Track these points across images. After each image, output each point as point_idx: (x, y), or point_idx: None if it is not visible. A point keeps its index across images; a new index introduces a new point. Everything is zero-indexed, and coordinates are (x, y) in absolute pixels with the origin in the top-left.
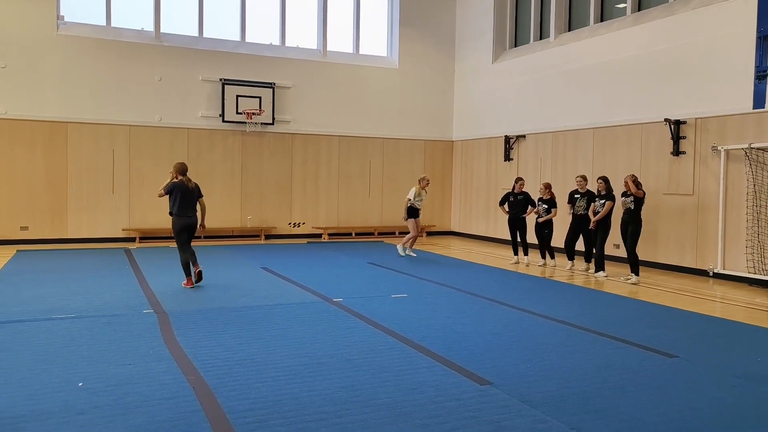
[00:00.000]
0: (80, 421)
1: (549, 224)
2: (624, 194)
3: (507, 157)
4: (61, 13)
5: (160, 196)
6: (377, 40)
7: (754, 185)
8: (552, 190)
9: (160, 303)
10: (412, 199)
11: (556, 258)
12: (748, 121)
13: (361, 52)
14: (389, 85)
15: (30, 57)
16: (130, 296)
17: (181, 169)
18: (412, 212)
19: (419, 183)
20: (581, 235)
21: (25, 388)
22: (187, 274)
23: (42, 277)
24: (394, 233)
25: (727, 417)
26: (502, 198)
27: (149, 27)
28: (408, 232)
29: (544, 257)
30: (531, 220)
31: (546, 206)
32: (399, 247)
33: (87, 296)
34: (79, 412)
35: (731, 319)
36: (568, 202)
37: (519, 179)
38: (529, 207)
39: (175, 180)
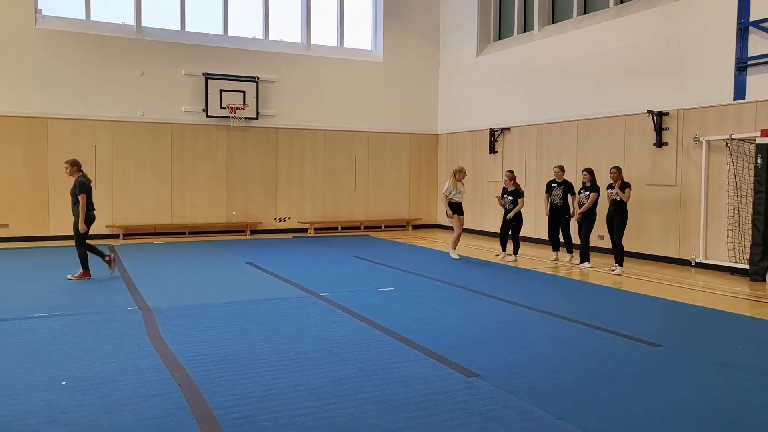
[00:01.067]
0: (64, 420)
1: (518, 217)
2: (610, 186)
3: (492, 150)
4: (39, 7)
5: (84, 206)
6: (361, 33)
7: (735, 175)
8: (517, 181)
9: (144, 300)
10: (448, 194)
11: (519, 252)
12: (729, 112)
13: (345, 45)
14: (374, 79)
15: (8, 52)
16: (114, 293)
17: (79, 165)
18: (455, 208)
19: (454, 176)
20: (559, 226)
21: (7, 387)
22: (87, 266)
23: (23, 275)
24: (380, 227)
25: (710, 404)
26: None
27: (130, 21)
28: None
29: (504, 249)
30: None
31: (511, 198)
32: (450, 253)
33: (70, 294)
34: (63, 411)
35: (713, 307)
36: (546, 192)
37: (507, 172)
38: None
39: (78, 177)
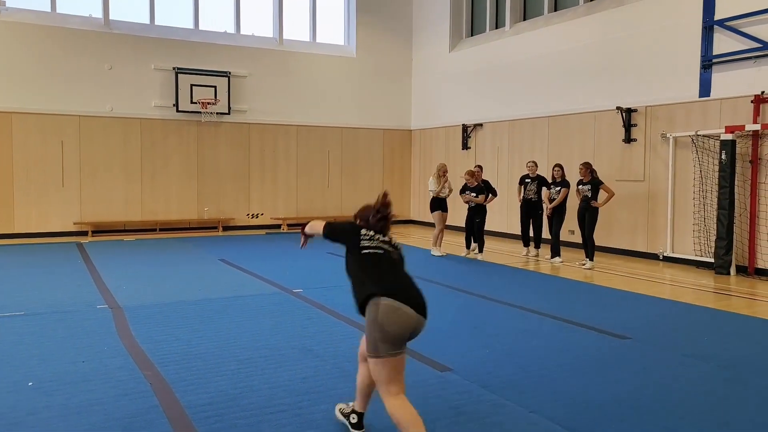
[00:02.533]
0: (31, 422)
1: (480, 213)
2: (580, 182)
3: (465, 146)
4: None
5: None
6: (334, 28)
7: (701, 171)
8: (475, 177)
9: (114, 298)
10: (433, 189)
11: (484, 251)
12: (695, 109)
13: (318, 40)
14: (347, 74)
15: None
16: (83, 292)
17: None
18: (437, 204)
19: (437, 171)
20: (531, 220)
21: None
22: None
23: None
24: None
25: (676, 394)
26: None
27: (98, 13)
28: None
29: (468, 247)
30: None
31: (474, 194)
32: (432, 250)
33: (37, 293)
34: (30, 412)
35: (680, 300)
36: (519, 184)
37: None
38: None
39: None
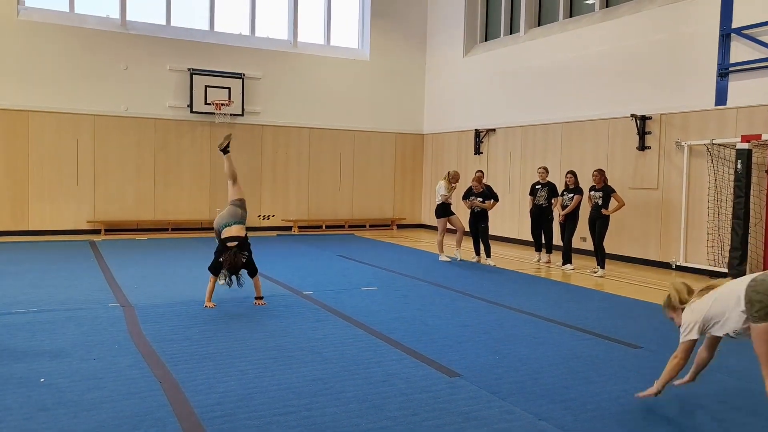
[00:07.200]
0: (42, 418)
1: (485, 218)
2: (593, 188)
3: (477, 151)
4: None
5: None
6: (348, 31)
7: (715, 180)
8: (483, 182)
9: (126, 296)
10: (446, 194)
11: (492, 256)
12: (710, 117)
13: (332, 43)
14: (360, 78)
15: None
16: (95, 289)
17: None
18: (442, 210)
19: (448, 177)
20: (542, 226)
21: None
22: None
23: (1, 270)
24: (364, 226)
25: (687, 405)
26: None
27: (115, 14)
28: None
29: (478, 253)
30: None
31: (481, 199)
32: (440, 256)
33: (49, 290)
34: (41, 408)
35: None
36: (530, 194)
37: (478, 173)
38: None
39: None
